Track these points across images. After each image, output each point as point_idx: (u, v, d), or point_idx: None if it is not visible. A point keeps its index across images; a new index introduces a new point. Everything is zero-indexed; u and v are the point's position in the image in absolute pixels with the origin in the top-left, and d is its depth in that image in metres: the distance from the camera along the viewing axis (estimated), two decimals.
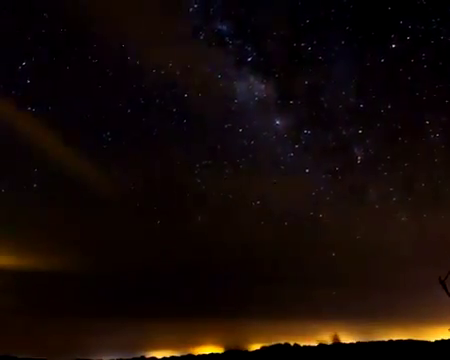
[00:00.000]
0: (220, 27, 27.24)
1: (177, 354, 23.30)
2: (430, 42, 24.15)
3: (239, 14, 27.10)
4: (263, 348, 19.97)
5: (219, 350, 21.76)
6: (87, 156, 27.49)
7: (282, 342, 20.27)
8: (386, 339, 21.19)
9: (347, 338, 23.35)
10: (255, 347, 21.59)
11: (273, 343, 20.38)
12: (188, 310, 25.68)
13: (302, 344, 21.80)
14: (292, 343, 20.97)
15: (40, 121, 26.56)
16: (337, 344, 17.89)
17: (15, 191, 25.68)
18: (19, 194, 25.67)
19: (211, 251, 26.78)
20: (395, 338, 20.47)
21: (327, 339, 21.75)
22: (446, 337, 18.06)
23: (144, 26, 27.94)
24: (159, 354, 24.50)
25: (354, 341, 21.82)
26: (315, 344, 20.49)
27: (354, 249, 26.66)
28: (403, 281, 25.13)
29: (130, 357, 23.78)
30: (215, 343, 23.92)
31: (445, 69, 24.61)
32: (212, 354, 20.44)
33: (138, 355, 24.04)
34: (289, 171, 28.02)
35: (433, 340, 19.33)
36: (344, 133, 27.22)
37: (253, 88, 27.58)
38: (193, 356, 21.00)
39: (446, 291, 11.27)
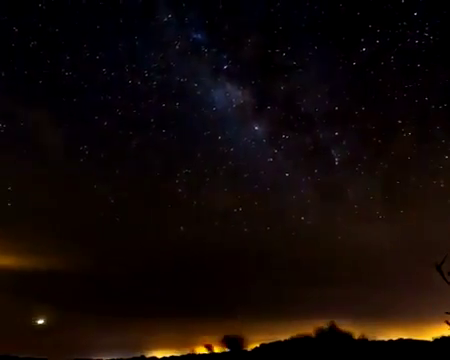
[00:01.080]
0: (195, 36, 27.53)
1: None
2: (398, 45, 25.13)
3: (214, 23, 27.48)
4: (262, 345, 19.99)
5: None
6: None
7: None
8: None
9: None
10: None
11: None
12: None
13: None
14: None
15: None
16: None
17: None
18: None
19: (196, 257, 26.85)
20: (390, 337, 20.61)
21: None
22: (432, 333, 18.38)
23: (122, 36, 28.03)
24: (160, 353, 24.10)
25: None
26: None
27: (336, 249, 27.18)
28: (385, 278, 25.75)
29: (130, 357, 23.83)
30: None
31: (413, 70, 25.65)
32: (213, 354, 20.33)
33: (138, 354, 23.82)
34: (269, 175, 28.51)
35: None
36: (321, 136, 27.95)
37: (230, 95, 27.95)
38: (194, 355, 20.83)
39: (443, 277, 11.69)
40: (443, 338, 15.54)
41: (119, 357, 23.57)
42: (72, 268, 25.36)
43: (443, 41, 25.00)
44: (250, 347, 20.35)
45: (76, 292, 25.94)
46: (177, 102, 28.39)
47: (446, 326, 11.77)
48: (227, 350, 19.81)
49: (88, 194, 27.19)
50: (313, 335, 16.97)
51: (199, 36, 27.56)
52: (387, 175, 27.26)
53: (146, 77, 28.18)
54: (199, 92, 28.23)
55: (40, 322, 23.49)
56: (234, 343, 19.34)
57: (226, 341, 19.54)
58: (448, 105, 25.61)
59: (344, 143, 27.51)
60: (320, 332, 16.53)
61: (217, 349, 20.90)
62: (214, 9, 27.16)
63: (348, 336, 15.69)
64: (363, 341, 15.65)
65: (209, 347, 22.54)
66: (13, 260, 25.49)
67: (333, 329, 15.96)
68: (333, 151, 27.55)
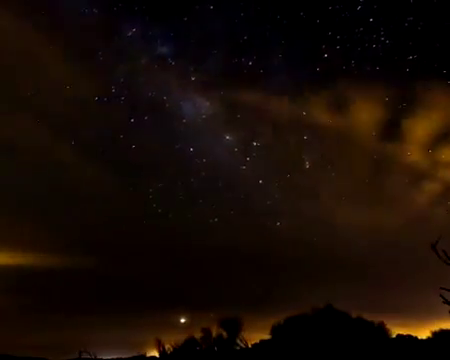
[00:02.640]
0: (161, 49, 27.59)
1: None
2: (357, 49, 26.34)
3: (179, 35, 27.68)
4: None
5: None
6: None
7: None
8: None
9: None
10: None
11: None
12: None
13: None
14: None
15: None
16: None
17: None
18: None
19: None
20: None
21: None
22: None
23: (81, 54, 27.54)
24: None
25: None
26: None
27: (312, 250, 27.65)
28: (361, 276, 26.36)
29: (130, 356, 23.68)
30: None
31: (372, 73, 26.91)
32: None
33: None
34: (243, 184, 28.72)
35: None
36: (291, 141, 28.61)
37: (200, 106, 28.12)
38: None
39: (437, 255, 12.23)
40: (442, 332, 15.84)
41: (118, 356, 23.59)
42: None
43: (397, 44, 26.41)
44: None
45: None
46: (146, 116, 28.19)
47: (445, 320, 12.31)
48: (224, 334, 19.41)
49: None
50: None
51: (165, 49, 27.68)
52: (356, 175, 28.22)
53: (113, 93, 27.83)
54: (168, 105, 28.23)
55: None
56: (232, 325, 18.89)
57: (223, 324, 19.04)
58: (407, 104, 26.93)
59: (313, 147, 28.29)
60: (317, 311, 16.69)
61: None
62: (179, 22, 27.42)
63: (345, 314, 15.96)
64: (360, 320, 15.97)
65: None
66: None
67: (330, 308, 16.19)
68: (303, 155, 28.20)
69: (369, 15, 26.33)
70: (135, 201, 28.56)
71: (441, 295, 12.41)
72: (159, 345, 21.20)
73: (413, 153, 27.04)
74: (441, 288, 12.51)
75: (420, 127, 27.43)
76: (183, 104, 28.54)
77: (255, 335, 19.37)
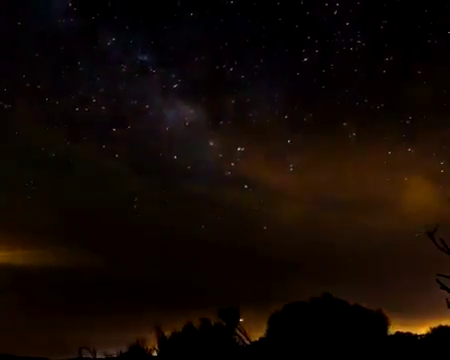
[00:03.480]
0: (142, 57, 27.52)
1: None
2: (335, 53, 26.98)
3: (159, 43, 27.68)
4: None
5: None
6: None
7: None
8: None
9: None
10: None
11: None
12: None
13: None
14: None
15: None
16: None
17: None
18: None
19: None
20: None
21: None
22: None
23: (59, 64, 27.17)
24: None
25: None
26: None
27: (296, 252, 27.80)
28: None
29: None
30: None
31: (351, 75, 27.57)
32: None
33: None
34: (228, 190, 28.72)
35: None
36: (274, 145, 28.84)
37: (182, 114, 28.10)
38: None
39: (435, 243, 12.53)
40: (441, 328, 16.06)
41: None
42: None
43: (373, 45, 27.15)
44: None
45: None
46: (129, 125, 27.98)
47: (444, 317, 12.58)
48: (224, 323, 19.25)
49: None
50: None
51: (146, 57, 27.64)
52: (339, 177, 28.66)
53: (94, 103, 27.51)
54: (151, 113, 28.11)
55: None
56: (230, 315, 18.71)
57: (222, 314, 18.84)
58: (385, 105, 27.63)
59: (297, 150, 28.62)
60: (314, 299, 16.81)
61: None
62: (159, 30, 27.43)
63: (343, 302, 16.14)
64: (358, 307, 16.17)
65: None
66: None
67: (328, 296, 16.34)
68: (287, 158, 28.46)
69: (345, 19, 26.98)
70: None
71: (438, 280, 12.73)
72: (158, 331, 21.13)
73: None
74: (438, 274, 12.87)
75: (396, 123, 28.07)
76: (166, 112, 28.51)
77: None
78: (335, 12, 26.75)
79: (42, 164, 27.59)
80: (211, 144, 28.56)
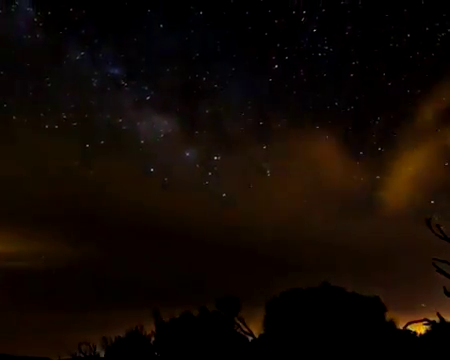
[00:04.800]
0: (112, 71, 27.15)
1: None
2: (304, 59, 27.77)
3: (130, 56, 27.48)
4: None
5: None
6: None
7: None
8: None
9: None
10: None
11: None
12: None
13: None
14: None
15: None
16: None
17: None
18: None
19: None
20: None
21: None
22: None
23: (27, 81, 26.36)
24: None
25: None
26: None
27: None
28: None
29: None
30: None
31: (320, 80, 28.42)
32: None
33: None
34: (208, 199, 28.57)
35: None
36: (250, 152, 29.15)
37: (157, 126, 27.90)
38: None
39: (431, 230, 12.92)
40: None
41: None
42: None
43: (340, 50, 28.21)
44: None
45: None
46: (102, 140, 27.45)
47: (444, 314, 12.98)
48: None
49: None
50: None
51: (116, 71, 27.36)
52: (315, 179, 29.32)
53: (64, 119, 26.84)
54: (124, 127, 27.72)
55: None
56: (229, 304, 18.45)
57: (220, 303, 18.56)
58: (355, 107, 28.65)
59: (272, 156, 29.07)
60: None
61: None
62: (129, 42, 27.26)
63: (341, 289, 16.37)
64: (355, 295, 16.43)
65: None
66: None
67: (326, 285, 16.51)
68: (263, 165, 28.83)
69: (312, 26, 27.90)
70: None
71: (434, 264, 13.08)
72: (156, 316, 20.83)
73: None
74: (434, 259, 13.26)
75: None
76: (140, 125, 28.25)
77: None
78: (302, 19, 27.64)
79: (10, 182, 26.87)
80: (187, 154, 28.52)
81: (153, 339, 21.30)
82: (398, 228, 25.87)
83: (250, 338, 18.54)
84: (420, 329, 16.23)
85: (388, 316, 16.16)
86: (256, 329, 18.13)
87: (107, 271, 25.91)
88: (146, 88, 27.38)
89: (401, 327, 15.75)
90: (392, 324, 16.04)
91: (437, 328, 14.20)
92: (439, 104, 26.75)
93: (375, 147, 28.98)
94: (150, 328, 21.22)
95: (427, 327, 15.74)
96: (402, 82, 27.90)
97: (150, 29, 26.79)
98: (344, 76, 28.51)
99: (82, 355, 22.67)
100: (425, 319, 13.76)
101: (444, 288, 13.12)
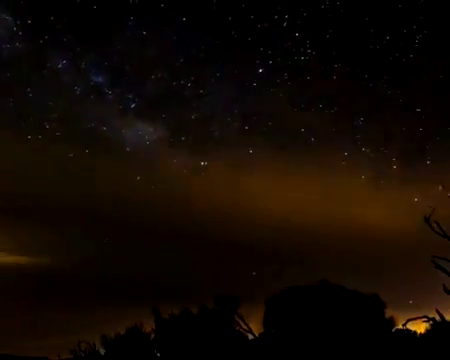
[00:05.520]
0: (95, 79, 26.71)
1: None
2: (288, 63, 28.07)
3: (113, 63, 27.11)
4: None
5: None
6: None
7: None
8: None
9: None
10: None
11: None
12: None
13: None
14: None
15: None
16: None
17: None
18: None
19: None
20: None
21: None
22: None
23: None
24: None
25: None
26: None
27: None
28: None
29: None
30: None
31: (303, 84, 28.73)
32: None
33: None
34: (197, 206, 28.36)
35: None
36: (236, 156, 29.12)
37: (143, 133, 27.58)
38: None
39: (431, 227, 13.11)
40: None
41: None
42: None
43: (322, 54, 28.63)
44: None
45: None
46: (86, 149, 27.00)
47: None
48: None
49: None
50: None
51: (100, 79, 26.99)
52: (302, 180, 29.57)
53: (47, 129, 26.32)
54: (109, 135, 27.31)
55: None
56: (229, 302, 18.39)
57: (219, 301, 18.49)
58: (338, 110, 29.11)
59: (259, 159, 29.19)
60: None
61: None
62: (111, 49, 26.90)
63: (340, 287, 16.56)
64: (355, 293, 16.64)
65: None
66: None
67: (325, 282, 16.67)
68: (250, 168, 28.88)
69: (295, 30, 28.23)
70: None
71: (433, 261, 13.23)
72: (156, 313, 20.97)
73: None
74: (433, 256, 13.43)
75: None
76: (125, 133, 27.92)
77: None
78: (284, 24, 27.88)
79: None
80: (174, 161, 28.34)
81: (153, 336, 21.64)
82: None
83: (250, 336, 18.65)
84: (420, 328, 16.78)
85: (388, 314, 16.54)
86: (256, 327, 18.38)
87: (107, 269, 25.81)
88: (130, 96, 27.14)
89: (401, 325, 16.07)
90: (392, 321, 16.33)
91: (437, 327, 14.45)
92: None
93: (359, 147, 29.49)
94: (150, 325, 21.56)
95: (427, 326, 16.22)
96: (382, 82, 28.56)
97: (133, 36, 26.57)
98: (327, 78, 28.93)
99: (82, 354, 23.05)
100: (425, 316, 13.97)
101: (444, 286, 13.30)
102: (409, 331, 16.30)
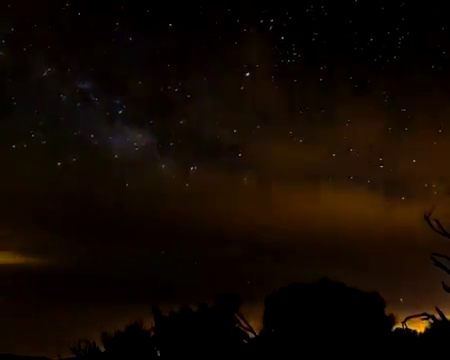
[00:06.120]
0: (82, 86, 26.31)
1: None
2: (274, 66, 28.45)
3: (99, 70, 26.79)
4: None
5: None
6: None
7: None
8: None
9: None
10: None
11: None
12: None
13: None
14: None
15: None
16: None
17: None
18: None
19: None
20: None
21: None
22: None
23: None
24: None
25: None
26: None
27: None
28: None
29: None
30: None
31: (290, 85, 29.12)
32: None
33: None
34: (186, 210, 28.25)
35: None
36: (226, 159, 29.18)
37: (131, 139, 27.33)
38: None
39: (430, 225, 13.35)
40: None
41: None
42: None
43: (307, 57, 29.13)
44: None
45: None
46: (74, 157, 26.62)
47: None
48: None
49: None
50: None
51: (86, 85, 26.62)
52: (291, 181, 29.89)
53: (32, 138, 25.86)
54: (96, 142, 26.98)
55: None
56: (229, 301, 18.37)
57: (219, 299, 18.45)
58: (326, 110, 29.65)
59: (250, 163, 29.45)
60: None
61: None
62: (97, 56, 26.60)
63: (340, 285, 16.73)
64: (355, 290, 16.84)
65: None
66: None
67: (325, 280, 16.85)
68: (239, 171, 29.04)
69: (280, 34, 28.67)
70: None
71: (433, 258, 13.46)
72: (156, 311, 20.74)
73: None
74: (433, 254, 13.68)
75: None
76: (113, 139, 27.68)
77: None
78: (270, 28, 28.22)
79: None
80: (163, 166, 28.21)
81: (153, 334, 21.42)
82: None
83: (250, 334, 18.47)
84: (420, 327, 17.05)
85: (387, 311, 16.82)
86: (256, 325, 18.27)
87: (107, 267, 25.62)
88: (118, 102, 26.86)
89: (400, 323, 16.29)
90: (391, 319, 16.61)
91: (437, 326, 14.70)
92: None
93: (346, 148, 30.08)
94: (150, 323, 21.32)
95: (427, 325, 16.48)
96: (368, 84, 29.17)
97: (119, 42, 26.36)
98: (313, 81, 29.38)
99: (82, 352, 22.70)
100: (424, 313, 14.19)
101: (443, 283, 13.52)
102: (409, 330, 16.57)
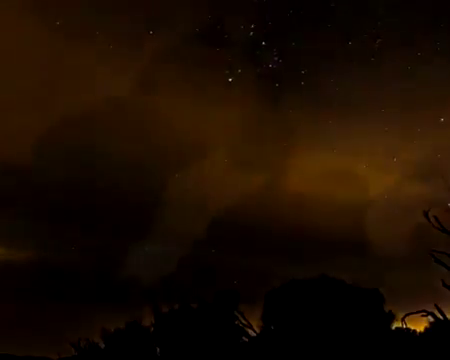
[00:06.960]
0: None
1: None
2: (256, 70, 28.98)
3: None
4: None
5: None
6: None
7: None
8: None
9: None
10: None
11: None
12: None
13: None
14: None
15: None
16: None
17: None
18: None
19: None
20: None
21: None
22: None
23: None
24: None
25: None
26: None
27: None
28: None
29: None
30: None
31: (272, 90, 29.43)
32: None
33: None
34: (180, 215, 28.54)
35: None
36: (213, 167, 29.60)
37: None
38: None
39: (429, 221, 13.61)
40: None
41: None
42: None
43: (289, 62, 29.60)
44: None
45: None
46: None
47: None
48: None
49: None
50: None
51: None
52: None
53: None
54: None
55: None
56: (228, 297, 18.48)
57: (218, 296, 18.55)
58: (312, 116, 30.10)
59: (247, 167, 29.75)
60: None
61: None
62: None
63: (340, 281, 16.91)
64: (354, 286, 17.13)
65: None
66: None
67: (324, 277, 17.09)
68: (228, 177, 29.34)
69: (261, 39, 29.01)
70: None
71: (432, 254, 13.62)
72: (155, 308, 21.26)
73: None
74: (432, 250, 13.83)
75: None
76: None
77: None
78: (251, 34, 28.59)
79: None
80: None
81: (152, 330, 21.83)
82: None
83: (250, 331, 18.95)
84: (420, 327, 17.28)
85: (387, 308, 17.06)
86: (255, 322, 18.62)
87: (106, 265, 25.68)
88: None
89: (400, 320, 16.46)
90: (391, 315, 16.87)
91: (436, 325, 14.87)
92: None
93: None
94: (149, 319, 21.76)
95: (426, 324, 16.70)
96: (348, 86, 29.72)
97: (99, 51, 26.73)
98: (295, 85, 29.87)
99: (82, 350, 23.29)
100: (423, 310, 14.37)
101: (442, 281, 13.73)
102: (408, 329, 16.72)
